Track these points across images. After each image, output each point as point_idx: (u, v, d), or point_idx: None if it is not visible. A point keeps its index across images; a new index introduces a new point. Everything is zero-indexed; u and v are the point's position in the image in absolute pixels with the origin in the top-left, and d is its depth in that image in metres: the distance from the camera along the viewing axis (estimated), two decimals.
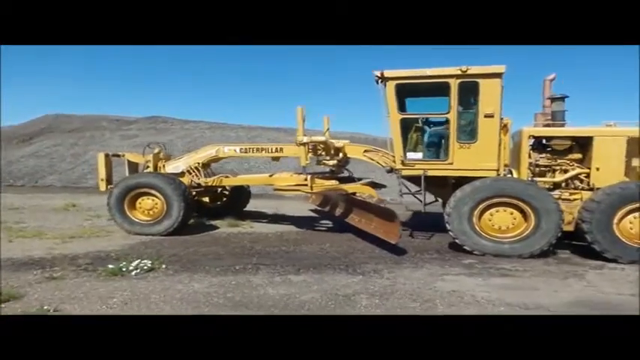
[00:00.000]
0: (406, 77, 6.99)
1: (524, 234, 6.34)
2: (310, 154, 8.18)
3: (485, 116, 6.77)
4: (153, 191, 7.78)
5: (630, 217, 6.04)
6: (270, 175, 8.61)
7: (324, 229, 8.82)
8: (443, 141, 7.19)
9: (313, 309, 4.16)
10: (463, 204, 6.48)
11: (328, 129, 8.97)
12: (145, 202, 7.88)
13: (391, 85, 7.04)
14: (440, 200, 7.76)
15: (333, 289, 4.75)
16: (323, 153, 8.11)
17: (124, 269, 5.28)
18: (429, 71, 6.91)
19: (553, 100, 7.22)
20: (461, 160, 6.96)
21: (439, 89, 6.98)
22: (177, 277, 5.20)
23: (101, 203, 12.99)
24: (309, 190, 7.77)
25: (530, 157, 7.04)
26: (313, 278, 5.19)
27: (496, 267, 5.81)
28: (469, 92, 6.84)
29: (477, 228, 6.49)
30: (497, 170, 6.90)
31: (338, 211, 8.66)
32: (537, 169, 7.05)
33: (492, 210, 6.51)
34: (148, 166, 9.03)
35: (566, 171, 7.00)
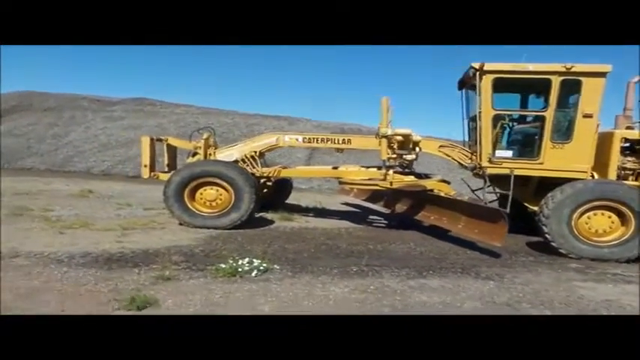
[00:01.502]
0: (506, 71, 6.71)
1: (624, 238, 6.23)
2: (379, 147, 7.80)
3: (584, 116, 6.60)
4: (220, 181, 7.17)
5: None
6: (334, 168, 8.14)
7: (382, 225, 8.47)
8: (534, 139, 6.97)
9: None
10: (563, 206, 6.30)
11: (389, 111, 8.50)
12: (208, 193, 7.26)
13: (489, 79, 6.75)
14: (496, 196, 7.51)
15: (484, 296, 4.42)
16: (396, 146, 7.66)
17: (239, 269, 4.75)
18: (531, 66, 6.66)
19: None
20: (552, 160, 6.77)
21: (537, 86, 6.76)
22: (302, 279, 4.74)
23: (118, 190, 12.25)
24: (388, 186, 7.37)
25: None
26: (448, 283, 4.85)
27: (610, 272, 5.66)
28: (570, 90, 6.64)
29: (575, 231, 6.32)
30: (588, 173, 6.76)
31: (405, 208, 8.32)
32: (623, 172, 6.96)
33: (590, 213, 6.35)
34: (196, 153, 8.37)
35: None
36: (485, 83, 6.79)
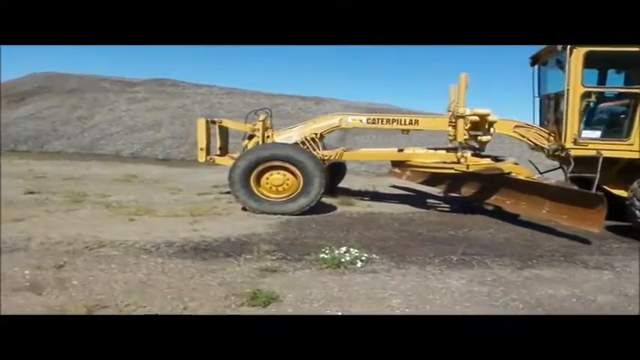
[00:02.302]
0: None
1: None
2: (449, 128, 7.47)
3: None
4: (289, 165, 6.87)
5: None
6: (400, 150, 7.80)
7: (447, 209, 8.15)
8: (623, 119, 6.57)
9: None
10: None
11: (454, 100, 8.13)
12: (274, 178, 6.97)
13: (580, 53, 6.33)
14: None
15: (613, 288, 4.14)
16: (469, 127, 7.26)
17: (342, 259, 4.48)
18: None
19: None
20: None
21: (632, 59, 6.30)
22: (409, 269, 4.48)
23: (158, 173, 12.01)
24: (464, 169, 7.03)
25: None
26: (562, 273, 4.57)
27: None
28: None
29: None
30: None
31: (473, 192, 7.99)
32: None
33: None
34: (252, 136, 8.08)
35: None
36: (576, 57, 6.37)
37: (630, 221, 6.27)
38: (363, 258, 4.60)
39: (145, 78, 27.39)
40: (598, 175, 6.53)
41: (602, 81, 7.33)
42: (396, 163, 9.96)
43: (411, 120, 7.55)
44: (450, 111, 8.04)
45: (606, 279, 4.43)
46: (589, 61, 6.44)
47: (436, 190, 9.74)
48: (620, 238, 6.22)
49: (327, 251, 4.70)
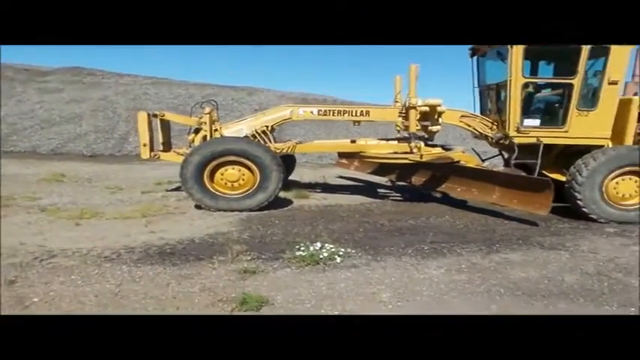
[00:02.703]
0: None
1: None
2: (399, 119, 7.62)
3: (610, 83, 6.73)
4: (244, 160, 6.62)
5: None
6: (352, 142, 7.82)
7: (399, 199, 8.34)
8: (558, 108, 7.05)
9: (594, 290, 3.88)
10: (597, 173, 6.48)
11: (400, 91, 8.34)
12: (230, 173, 6.70)
13: (521, 46, 6.67)
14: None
15: (574, 268, 4.44)
16: (420, 118, 7.43)
17: (320, 256, 4.41)
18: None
19: None
20: (577, 127, 6.91)
21: (567, 53, 6.75)
22: (387, 261, 4.51)
23: (89, 171, 11.06)
24: (418, 159, 7.18)
25: None
26: (528, 256, 4.82)
27: None
28: (598, 58, 6.72)
29: (606, 197, 6.55)
30: (609, 140, 6.98)
31: (423, 181, 8.21)
32: (637, 138, 7.26)
33: (618, 178, 6.59)
34: (199, 129, 7.72)
35: None
36: (517, 50, 6.71)
37: (569, 202, 6.77)
38: (340, 253, 4.55)
39: (57, 66, 25.21)
40: (539, 161, 6.99)
41: (534, 72, 7.78)
42: (344, 154, 10.04)
43: (362, 111, 7.57)
44: (397, 102, 8.23)
45: (565, 259, 4.74)
46: (530, 54, 6.80)
47: (384, 180, 9.94)
48: (562, 219, 6.70)
49: (302, 248, 4.61)
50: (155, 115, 7.85)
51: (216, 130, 7.51)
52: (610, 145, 7.06)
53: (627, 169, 6.52)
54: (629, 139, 7.09)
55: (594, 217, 6.53)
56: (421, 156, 7.12)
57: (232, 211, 6.63)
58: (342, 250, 4.66)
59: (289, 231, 5.66)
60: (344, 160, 10.40)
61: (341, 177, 10.97)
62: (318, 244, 4.69)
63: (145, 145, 7.49)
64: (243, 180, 6.74)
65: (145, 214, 6.33)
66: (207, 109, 7.59)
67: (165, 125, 8.19)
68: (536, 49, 6.84)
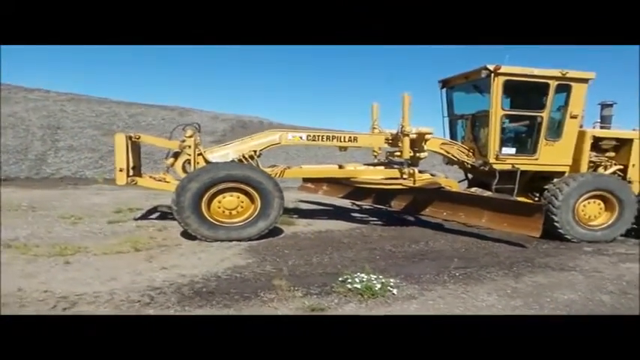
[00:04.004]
0: (516, 74, 7.26)
1: (610, 222, 7.36)
2: (385, 146, 7.82)
3: (571, 117, 7.55)
4: (245, 186, 6.29)
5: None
6: (340, 167, 7.79)
7: (381, 223, 8.44)
8: (529, 138, 7.70)
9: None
10: (571, 197, 7.15)
11: (377, 119, 8.55)
12: (228, 201, 6.31)
13: (501, 80, 7.21)
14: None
15: (598, 288, 4.81)
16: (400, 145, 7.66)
17: (374, 288, 4.29)
18: (536, 71, 7.31)
19: (604, 106, 8.42)
20: (545, 156, 7.62)
21: (536, 88, 7.44)
22: (437, 291, 4.49)
23: (21, 197, 9.62)
24: (411, 185, 7.35)
25: None
26: (550, 277, 5.12)
27: (621, 252, 6.63)
28: (562, 93, 7.50)
29: (577, 218, 7.24)
30: (569, 167, 7.78)
31: (404, 205, 8.40)
32: (590, 165, 8.16)
33: (585, 202, 7.33)
34: (178, 153, 7.22)
35: (606, 167, 8.27)
36: (497, 84, 7.24)
37: (545, 224, 7.34)
38: (391, 283, 4.47)
39: None
40: (517, 186, 7.55)
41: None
42: (309, 179, 9.98)
43: (349, 137, 7.60)
44: (374, 128, 8.42)
45: (582, 279, 5.11)
46: (508, 88, 7.33)
47: (344, 203, 10.04)
48: (539, 240, 7.20)
49: (349, 280, 4.45)
50: (130, 137, 7.16)
51: (200, 154, 7.05)
52: (567, 172, 7.84)
53: (593, 193, 7.27)
54: (584, 167, 7.94)
55: (568, 237, 7.16)
56: (414, 181, 7.31)
57: (230, 241, 6.22)
58: (384, 280, 4.56)
59: (310, 261, 5.45)
60: (310, 185, 10.32)
61: (302, 201, 10.83)
62: (364, 276, 4.55)
63: (121, 171, 6.79)
64: (241, 207, 6.38)
65: (136, 247, 5.70)
66: (188, 132, 7.11)
67: (136, 148, 7.49)
68: (512, 84, 7.41)
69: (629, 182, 7.92)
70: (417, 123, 7.42)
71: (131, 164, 7.35)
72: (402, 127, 7.17)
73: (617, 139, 8.22)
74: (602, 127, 8.36)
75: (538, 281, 4.95)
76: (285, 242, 6.43)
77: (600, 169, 8.22)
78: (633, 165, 8.14)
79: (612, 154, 8.32)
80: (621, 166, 8.23)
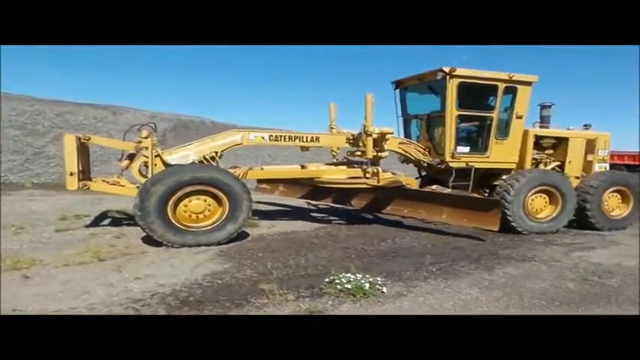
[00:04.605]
0: (469, 77, 7.61)
1: (554, 214, 7.94)
2: (346, 145, 7.91)
3: (517, 117, 8.08)
4: (212, 189, 6.07)
5: None
6: (303, 167, 7.74)
7: (342, 222, 8.49)
8: (480, 137, 8.12)
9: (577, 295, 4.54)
10: (521, 192, 7.62)
11: (334, 119, 8.64)
12: (195, 204, 6.07)
13: (455, 82, 7.54)
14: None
15: (560, 277, 5.17)
16: (360, 144, 7.79)
17: (363, 287, 4.31)
18: (486, 74, 7.72)
19: (543, 107, 9.05)
20: (495, 153, 8.09)
21: (486, 90, 7.87)
22: (421, 287, 4.61)
23: None
24: (375, 184, 7.45)
25: None
26: (518, 269, 5.41)
27: (569, 242, 7.18)
28: (508, 95, 7.98)
29: (526, 211, 7.74)
30: (515, 164, 8.32)
31: (364, 204, 8.52)
32: (532, 162, 8.76)
33: (533, 196, 7.85)
34: (133, 155, 6.85)
35: (546, 164, 8.93)
36: (453, 86, 7.57)
37: None
38: (379, 282, 4.51)
39: None
40: (471, 183, 7.93)
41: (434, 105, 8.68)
42: (264, 180, 9.85)
43: (312, 137, 7.59)
44: (332, 128, 8.50)
45: (545, 269, 5.47)
46: (461, 89, 7.65)
47: (299, 202, 10.04)
48: (493, 233, 7.60)
49: (337, 281, 4.44)
50: (78, 138, 6.66)
51: (157, 155, 6.70)
52: (514, 169, 8.37)
53: (540, 187, 7.80)
54: (528, 164, 8.51)
55: (520, 229, 7.63)
56: (378, 180, 7.43)
57: (199, 246, 5.98)
58: (371, 279, 4.60)
59: (287, 263, 5.37)
60: (265, 185, 10.18)
61: (259, 202, 10.64)
62: (350, 276, 4.55)
63: (72, 175, 6.30)
64: (209, 211, 6.16)
65: (99, 257, 5.31)
66: (144, 133, 6.73)
67: (85, 151, 6.99)
68: (465, 86, 7.75)
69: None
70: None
71: (80, 167, 6.87)
72: (365, 127, 7.25)
73: (555, 138, 8.89)
74: (541, 127, 8.99)
75: (509, 272, 5.23)
76: (256, 245, 6.28)
77: (541, 166, 8.84)
78: (570, 161, 8.84)
79: (551, 151, 8.99)
80: (559, 163, 8.91)
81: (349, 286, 4.28)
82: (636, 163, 31.54)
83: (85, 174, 6.85)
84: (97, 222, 7.51)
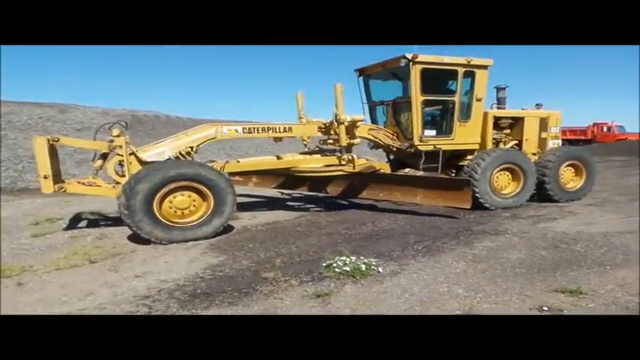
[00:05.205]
0: (431, 62, 7.96)
1: (518, 190, 8.49)
2: (317, 134, 8.11)
3: (477, 100, 8.55)
4: (197, 184, 6.10)
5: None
6: (279, 158, 7.85)
7: (320, 209, 8.69)
8: (444, 120, 8.54)
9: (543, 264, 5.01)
10: (487, 170, 8.10)
11: (302, 108, 8.79)
12: (180, 200, 6.09)
13: (418, 68, 7.87)
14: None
15: (534, 246, 5.62)
16: (332, 133, 8.00)
17: (360, 269, 4.56)
18: (446, 59, 8.10)
19: (499, 89, 9.57)
20: (459, 136, 8.55)
21: (447, 75, 8.27)
22: (411, 265, 4.91)
23: None
24: (352, 170, 7.69)
25: None
26: (493, 242, 5.82)
27: (534, 214, 7.72)
28: (467, 79, 8.42)
29: (492, 188, 8.24)
30: (478, 144, 8.82)
31: (341, 190, 8.76)
32: (493, 141, 9.29)
33: (498, 173, 8.36)
34: (106, 154, 6.78)
35: (505, 143, 9.49)
36: (416, 72, 7.90)
37: None
38: (373, 263, 4.76)
39: None
40: (440, 165, 8.34)
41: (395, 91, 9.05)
42: (235, 173, 9.86)
43: (284, 128, 7.71)
44: (301, 117, 8.65)
45: (518, 240, 5.92)
46: (423, 75, 7.99)
47: (272, 192, 10.17)
48: (465, 211, 8.04)
49: (333, 265, 4.66)
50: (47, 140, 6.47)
51: (132, 153, 6.63)
52: (477, 149, 8.86)
53: (505, 165, 8.32)
54: (489, 144, 9.02)
55: (487, 205, 8.12)
56: (354, 167, 7.68)
57: (186, 241, 6.03)
58: (366, 260, 4.85)
59: (280, 252, 5.53)
60: (238, 177, 10.18)
61: (248, 194, 10.65)
62: (344, 259, 4.78)
63: (46, 178, 6.15)
64: (194, 206, 6.20)
65: (90, 259, 5.26)
66: (115, 132, 6.63)
67: (54, 153, 6.79)
68: (427, 72, 8.08)
69: None
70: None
71: (50, 169, 6.69)
72: (337, 115, 7.46)
73: (512, 118, 9.44)
74: (498, 108, 9.52)
75: (487, 246, 5.63)
76: (242, 237, 6.39)
77: (501, 145, 9.38)
78: (526, 139, 9.44)
79: (509, 131, 9.55)
80: (516, 141, 9.49)
81: (347, 269, 4.51)
82: (577, 137, 33.70)
83: (56, 177, 6.67)
84: (73, 224, 7.34)
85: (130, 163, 6.55)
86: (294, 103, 8.84)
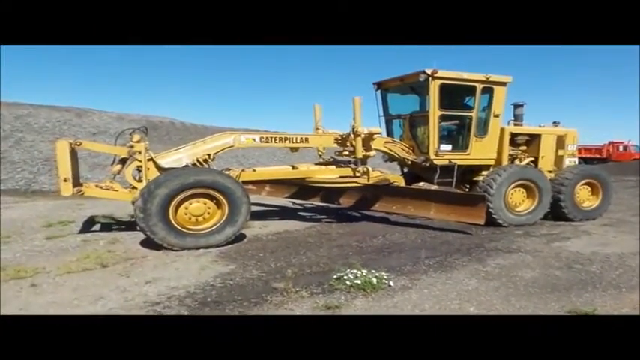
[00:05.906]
0: (450, 78, 7.96)
1: (532, 207, 8.39)
2: (333, 146, 8.14)
3: (495, 116, 8.50)
4: (213, 192, 6.16)
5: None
6: (294, 168, 7.89)
7: (331, 220, 8.69)
8: (460, 135, 8.50)
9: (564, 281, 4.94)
10: (502, 186, 8.03)
11: (320, 119, 8.83)
12: (195, 207, 6.14)
13: (437, 84, 7.88)
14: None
15: (548, 265, 5.54)
16: (348, 145, 8.03)
17: (372, 282, 4.54)
18: (465, 75, 8.09)
19: (516, 106, 9.52)
20: (476, 151, 8.49)
21: (465, 90, 8.26)
22: (423, 280, 4.87)
23: None
24: (366, 182, 7.69)
25: None
26: (507, 260, 5.76)
27: (547, 233, 7.62)
28: (485, 95, 8.39)
29: (507, 205, 8.16)
30: (494, 160, 8.75)
31: (353, 202, 8.75)
32: (509, 158, 9.21)
33: (512, 190, 8.28)
34: (125, 160, 6.87)
35: (520, 160, 9.41)
36: (435, 87, 7.90)
37: None
38: (384, 277, 4.74)
39: None
40: (455, 179, 8.29)
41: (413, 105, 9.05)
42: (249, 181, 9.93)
43: (301, 138, 7.76)
44: (317, 129, 8.68)
45: (532, 259, 5.84)
46: (443, 90, 7.98)
47: (284, 202, 10.20)
48: (478, 227, 7.98)
49: (345, 277, 4.65)
50: (69, 144, 6.60)
51: (150, 159, 6.72)
52: (493, 165, 8.80)
53: (520, 182, 8.24)
54: (505, 160, 8.95)
55: (501, 222, 8.03)
56: (368, 179, 7.68)
57: (198, 248, 6.06)
58: (377, 273, 4.83)
59: (291, 262, 5.54)
60: (251, 186, 10.23)
61: (259, 203, 10.70)
62: (356, 271, 4.76)
63: (66, 181, 6.25)
64: (208, 214, 6.25)
65: (102, 263, 5.32)
66: (136, 137, 6.73)
67: (74, 156, 6.92)
68: (445, 87, 8.09)
69: None
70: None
71: (71, 172, 6.81)
72: (354, 127, 7.48)
73: (529, 135, 9.36)
74: (515, 125, 9.45)
75: (500, 263, 5.57)
76: (253, 246, 6.41)
77: (516, 162, 9.30)
78: (542, 157, 9.35)
79: (525, 147, 9.47)
80: (532, 158, 9.40)
81: (358, 282, 4.49)
82: (592, 156, 33.32)
83: (76, 180, 6.79)
84: (86, 228, 7.44)
85: (148, 169, 6.63)
86: (311, 114, 8.89)
